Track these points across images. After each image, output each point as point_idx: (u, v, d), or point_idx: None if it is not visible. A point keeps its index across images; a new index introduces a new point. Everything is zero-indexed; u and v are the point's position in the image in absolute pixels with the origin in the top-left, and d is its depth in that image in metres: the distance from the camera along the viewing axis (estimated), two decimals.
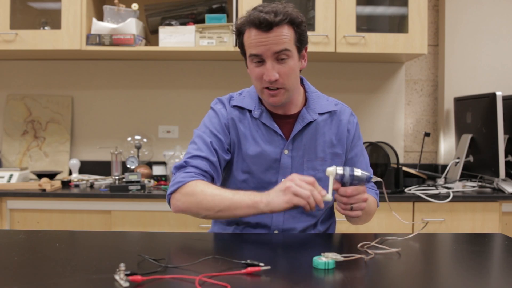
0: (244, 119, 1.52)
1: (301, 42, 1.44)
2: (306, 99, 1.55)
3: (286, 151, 1.50)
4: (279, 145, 1.50)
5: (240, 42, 1.47)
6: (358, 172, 1.29)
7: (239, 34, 1.45)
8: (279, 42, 1.38)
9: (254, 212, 1.32)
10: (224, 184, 1.60)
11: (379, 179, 1.34)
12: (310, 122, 1.51)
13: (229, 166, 1.55)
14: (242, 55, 1.50)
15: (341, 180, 1.29)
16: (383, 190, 1.41)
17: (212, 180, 1.49)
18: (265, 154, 1.50)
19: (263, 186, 1.49)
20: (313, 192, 1.25)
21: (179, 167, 1.47)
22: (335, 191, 1.31)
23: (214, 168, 1.48)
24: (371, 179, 1.31)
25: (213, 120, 1.53)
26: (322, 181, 1.49)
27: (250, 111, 1.52)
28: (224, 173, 1.58)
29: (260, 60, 1.41)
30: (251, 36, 1.40)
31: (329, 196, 1.28)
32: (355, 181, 1.29)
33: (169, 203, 1.46)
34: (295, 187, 1.26)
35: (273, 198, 1.29)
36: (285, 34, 1.39)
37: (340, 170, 1.28)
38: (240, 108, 1.53)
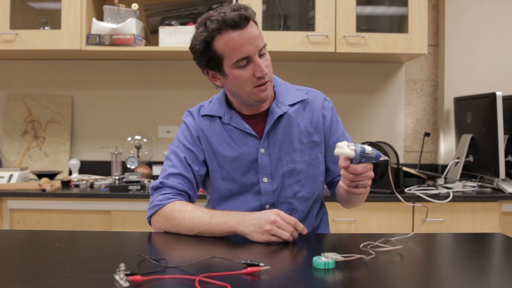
0: (215, 127, 1.51)
1: None
2: (275, 93, 1.53)
3: (262, 150, 1.48)
4: (254, 145, 1.49)
5: (211, 55, 1.38)
6: (368, 150, 1.25)
7: (207, 46, 1.37)
8: (259, 36, 1.37)
9: (232, 234, 1.35)
10: (208, 193, 1.60)
11: (386, 158, 1.31)
12: (281, 116, 1.50)
13: (209, 176, 1.54)
14: (211, 68, 1.42)
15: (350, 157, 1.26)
16: (389, 170, 1.40)
17: (189, 197, 1.49)
18: (242, 157, 1.49)
19: (246, 189, 1.50)
20: (292, 233, 1.29)
21: (156, 188, 1.48)
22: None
23: (190, 185, 1.48)
24: (380, 157, 1.27)
25: (185, 133, 1.53)
26: (304, 172, 1.50)
27: (220, 117, 1.51)
28: (206, 183, 1.58)
29: (248, 62, 1.38)
30: (232, 39, 1.34)
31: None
32: (364, 158, 1.26)
33: (150, 223, 1.47)
34: (276, 230, 1.28)
35: (252, 233, 1.30)
36: (256, 28, 1.38)
37: (352, 146, 1.25)
38: (210, 117, 1.52)
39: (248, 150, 1.49)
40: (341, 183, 1.36)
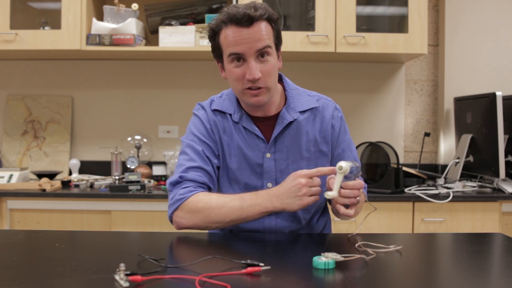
0: (225, 124, 1.49)
1: (278, 40, 1.41)
2: (286, 98, 1.51)
3: (268, 155, 1.46)
4: (261, 149, 1.47)
5: (215, 45, 1.41)
6: (358, 163, 1.32)
7: (214, 35, 1.39)
8: (260, 38, 1.34)
9: (266, 215, 1.37)
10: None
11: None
12: (291, 122, 1.47)
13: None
14: (217, 58, 1.45)
15: (351, 173, 1.26)
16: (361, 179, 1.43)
17: (210, 190, 1.46)
18: (248, 159, 1.47)
19: (250, 191, 1.46)
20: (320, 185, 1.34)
21: (175, 183, 1.44)
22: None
23: (210, 178, 1.45)
24: (359, 168, 1.33)
25: (198, 126, 1.50)
26: None
27: (230, 114, 1.49)
28: None
29: (241, 60, 1.36)
30: (231, 33, 1.34)
31: (334, 193, 1.26)
32: (358, 173, 1.29)
33: (171, 221, 1.43)
34: (310, 190, 1.32)
35: (290, 205, 1.33)
36: (265, 30, 1.35)
37: (351, 164, 1.26)
38: (220, 112, 1.50)
39: (255, 153, 1.47)
40: (341, 203, 1.31)
